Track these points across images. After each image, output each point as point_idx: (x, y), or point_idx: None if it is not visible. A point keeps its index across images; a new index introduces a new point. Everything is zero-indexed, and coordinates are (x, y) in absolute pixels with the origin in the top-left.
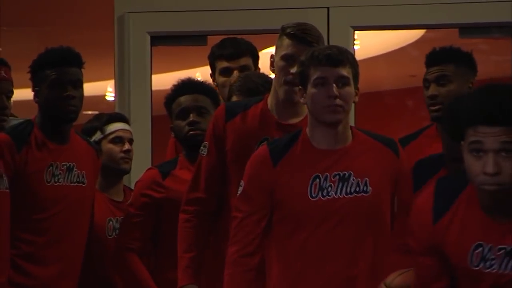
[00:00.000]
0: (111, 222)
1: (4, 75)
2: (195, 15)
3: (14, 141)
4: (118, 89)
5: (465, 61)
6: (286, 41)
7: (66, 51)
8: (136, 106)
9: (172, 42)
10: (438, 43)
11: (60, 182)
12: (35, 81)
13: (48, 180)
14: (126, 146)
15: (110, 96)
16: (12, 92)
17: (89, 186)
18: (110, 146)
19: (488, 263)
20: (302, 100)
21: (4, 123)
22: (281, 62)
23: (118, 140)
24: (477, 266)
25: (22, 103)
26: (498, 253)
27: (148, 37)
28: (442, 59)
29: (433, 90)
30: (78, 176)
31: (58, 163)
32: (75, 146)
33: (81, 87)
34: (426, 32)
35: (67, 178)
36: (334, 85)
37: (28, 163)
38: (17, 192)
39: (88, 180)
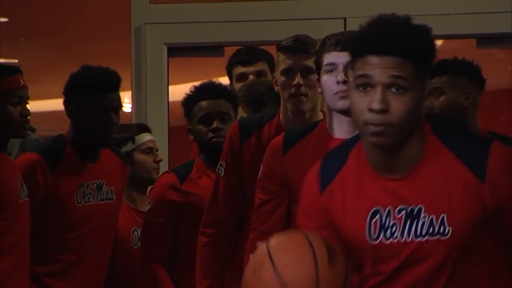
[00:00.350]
0: (136, 232)
1: (24, 83)
2: (212, 26)
3: (46, 162)
4: (135, 100)
5: (462, 71)
6: (282, 56)
7: (110, 76)
8: (153, 117)
9: (189, 53)
10: (456, 53)
11: (90, 202)
12: (71, 98)
13: (79, 201)
14: (159, 157)
15: (127, 108)
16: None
17: (117, 200)
18: (144, 157)
19: (388, 231)
20: (319, 91)
21: (26, 131)
22: (282, 78)
23: (149, 150)
24: (377, 238)
25: (40, 114)
26: (398, 216)
27: (165, 48)
28: (436, 72)
29: (429, 103)
30: (107, 193)
31: (88, 182)
32: (105, 161)
33: (120, 111)
34: (444, 43)
35: (97, 196)
36: (343, 71)
37: (60, 184)
38: (47, 212)
39: (116, 195)
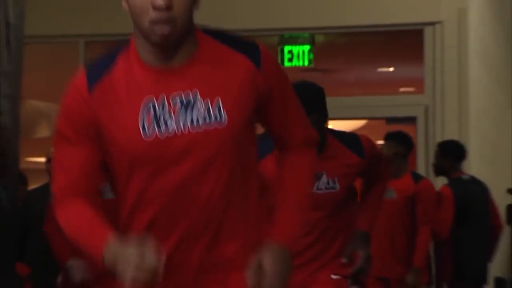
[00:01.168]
0: None
1: None
2: None
3: None
4: None
5: (394, 138)
6: None
7: None
8: None
9: None
10: (374, 128)
11: None
12: None
13: None
14: None
15: None
16: None
17: None
18: None
19: (163, 126)
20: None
21: None
22: None
23: None
24: (151, 134)
25: None
26: (174, 106)
27: None
28: (385, 138)
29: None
30: None
31: None
32: None
33: None
34: (367, 122)
35: None
36: None
37: None
38: None
39: None
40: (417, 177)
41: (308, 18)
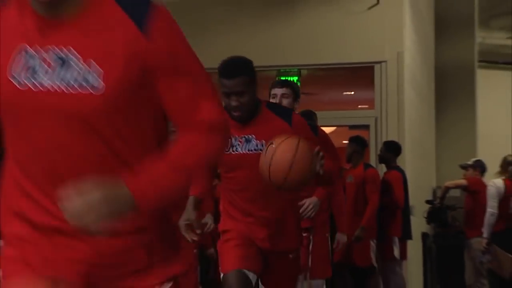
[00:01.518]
0: None
1: None
2: None
3: None
4: None
5: (355, 140)
6: None
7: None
8: None
9: None
10: (341, 132)
11: None
12: None
13: None
14: None
15: None
16: None
17: None
18: None
19: (30, 78)
20: None
21: None
22: None
23: None
24: (19, 82)
25: None
26: (50, 60)
27: None
28: (348, 141)
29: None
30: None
31: None
32: None
33: None
34: (336, 128)
35: None
36: None
37: None
38: None
39: None
40: (366, 167)
41: (296, 58)
